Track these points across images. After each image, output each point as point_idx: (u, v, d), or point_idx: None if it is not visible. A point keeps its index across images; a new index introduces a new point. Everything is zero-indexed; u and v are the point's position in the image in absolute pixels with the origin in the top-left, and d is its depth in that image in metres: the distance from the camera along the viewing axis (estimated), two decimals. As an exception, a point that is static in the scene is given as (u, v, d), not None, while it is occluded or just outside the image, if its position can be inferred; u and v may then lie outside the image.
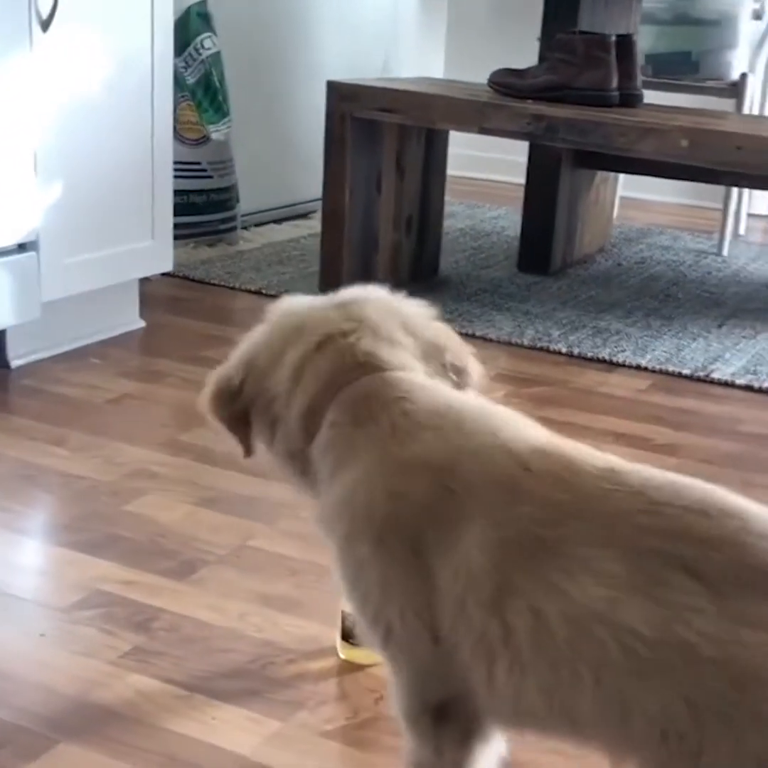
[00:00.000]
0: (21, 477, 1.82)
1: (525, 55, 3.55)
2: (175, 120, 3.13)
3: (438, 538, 0.94)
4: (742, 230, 3.92)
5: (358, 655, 1.38)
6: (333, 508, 1.01)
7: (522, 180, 3.28)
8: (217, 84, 3.24)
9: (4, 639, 1.40)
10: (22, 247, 2.20)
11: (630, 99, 2.64)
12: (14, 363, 2.28)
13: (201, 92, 3.21)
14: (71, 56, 2.21)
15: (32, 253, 2.21)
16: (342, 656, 1.39)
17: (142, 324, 2.59)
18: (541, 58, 3.04)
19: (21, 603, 1.49)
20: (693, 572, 0.87)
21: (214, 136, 3.22)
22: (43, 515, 1.74)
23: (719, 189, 4.14)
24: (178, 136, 3.13)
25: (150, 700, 1.28)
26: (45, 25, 2.12)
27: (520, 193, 3.29)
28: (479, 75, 3.21)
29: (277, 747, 1.23)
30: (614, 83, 2.60)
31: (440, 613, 0.94)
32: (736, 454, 2.10)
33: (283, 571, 1.58)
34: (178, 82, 3.13)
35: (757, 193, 4.23)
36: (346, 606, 1.37)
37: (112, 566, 1.57)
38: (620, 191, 3.78)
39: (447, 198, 4.13)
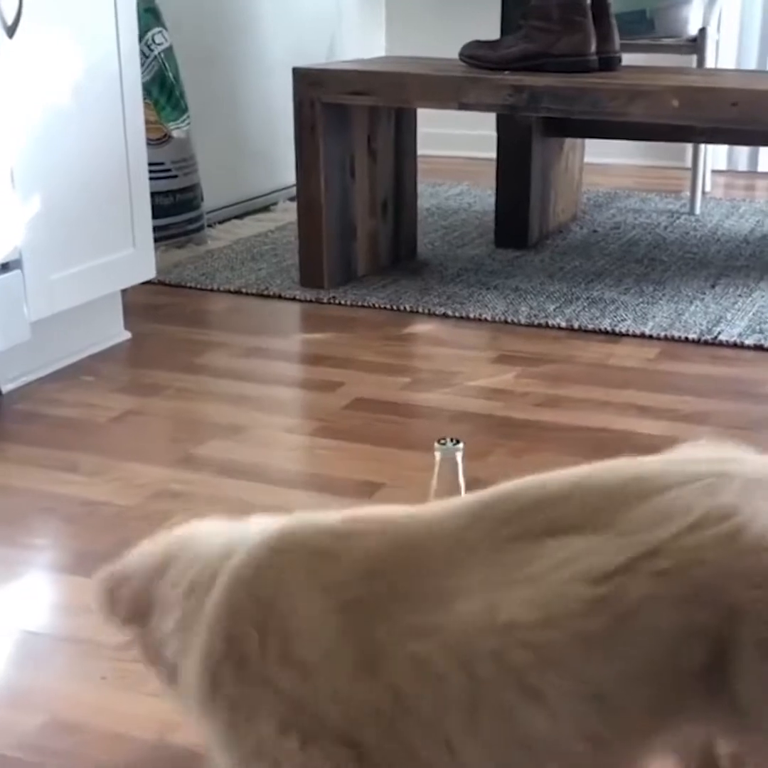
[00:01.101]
0: (40, 509, 1.73)
1: (470, 25, 3.49)
2: (134, 120, 3.02)
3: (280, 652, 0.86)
4: (708, 186, 3.90)
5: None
6: None
7: (485, 154, 3.22)
8: (173, 80, 3.13)
9: (65, 687, 1.32)
10: (5, 267, 2.09)
11: (609, 62, 2.59)
12: (5, 388, 2.18)
13: (157, 90, 3.10)
14: (39, 63, 2.11)
15: (17, 272, 2.10)
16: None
17: (127, 335, 2.49)
18: (505, 28, 2.97)
19: (73, 646, 1.40)
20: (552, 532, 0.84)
21: (175, 133, 3.12)
22: (73, 547, 1.65)
23: (678, 148, 4.12)
24: (138, 136, 3.02)
25: None
26: (10, 31, 2.01)
27: (481, 168, 3.23)
28: (424, 50, 3.14)
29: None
30: (593, 47, 2.54)
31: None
32: (766, 417, 2.06)
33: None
34: (133, 81, 3.03)
35: (716, 149, 4.22)
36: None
37: (158, 596, 1.48)
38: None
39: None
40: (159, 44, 3.11)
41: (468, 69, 2.66)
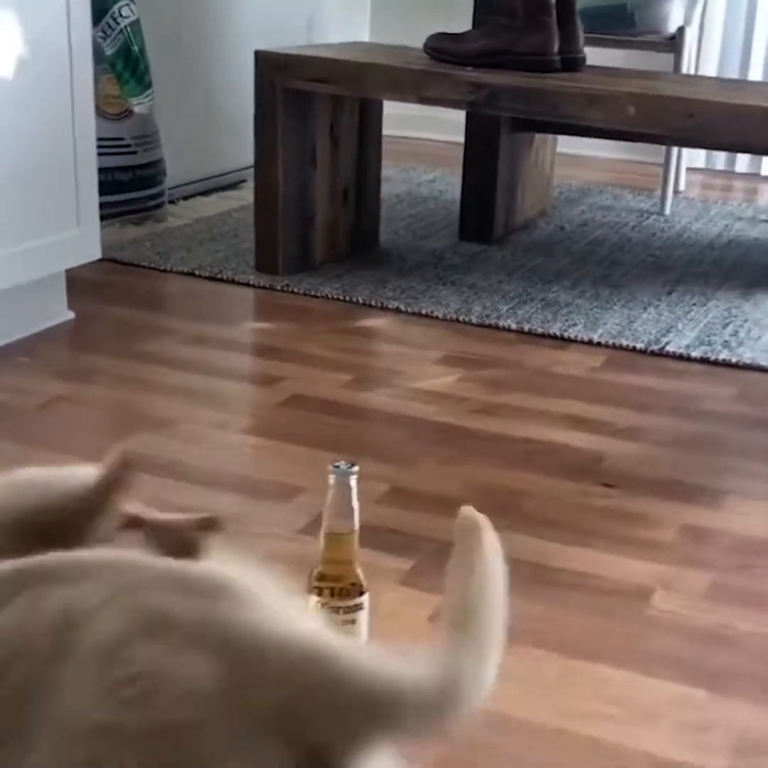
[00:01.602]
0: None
1: (456, 14, 3.43)
2: (96, 94, 2.97)
3: None
4: (682, 185, 3.86)
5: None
6: None
7: (460, 138, 3.17)
8: (138, 54, 3.09)
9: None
10: (-62, 245, 2.06)
11: (573, 63, 2.55)
12: (-64, 367, 2.15)
13: (121, 63, 3.05)
14: (-18, 37, 2.06)
15: (-51, 251, 2.07)
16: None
17: (71, 315, 2.45)
18: (476, 21, 2.93)
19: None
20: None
21: (137, 109, 3.08)
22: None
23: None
24: (99, 111, 2.97)
25: None
26: (-48, 5, 1.97)
27: (458, 153, 3.19)
28: (408, 36, 3.09)
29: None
30: (556, 47, 2.50)
31: None
32: (700, 435, 2.04)
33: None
34: (97, 53, 2.97)
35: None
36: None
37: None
38: (557, 147, 3.68)
39: (382, 161, 4.02)
40: (126, 17, 3.06)
41: (431, 62, 2.62)
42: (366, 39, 4.42)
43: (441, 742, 1.22)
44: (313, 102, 2.76)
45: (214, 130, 3.58)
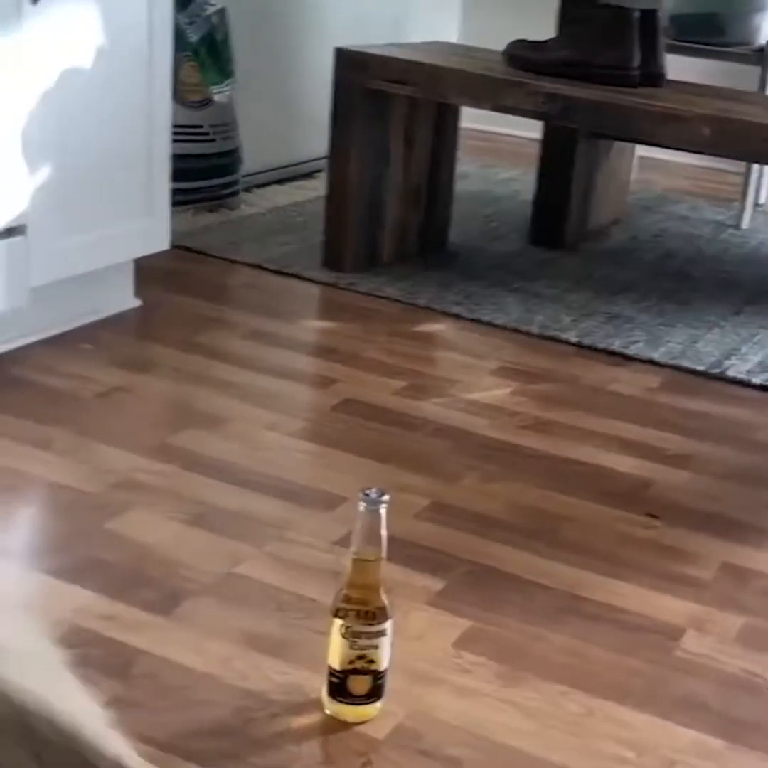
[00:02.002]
0: (2, 487, 1.75)
1: (549, 18, 3.39)
2: (178, 81, 3.01)
3: None
4: (762, 198, 3.79)
5: (345, 712, 1.31)
6: None
7: (540, 134, 3.15)
8: (221, 43, 3.11)
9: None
10: (9, 232, 2.10)
11: (652, 78, 2.51)
12: (1, 349, 2.20)
13: (204, 51, 3.08)
14: (63, 25, 2.09)
15: (20, 238, 2.11)
16: (327, 712, 1.33)
17: (137, 302, 2.49)
18: (560, 30, 2.90)
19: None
20: None
21: (216, 97, 3.10)
22: (23, 534, 1.67)
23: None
24: (179, 98, 3.01)
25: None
26: (34, -2, 2.00)
27: (538, 150, 3.16)
28: (498, 37, 3.06)
29: (255, 822, 1.17)
30: (636, 61, 2.47)
31: None
32: (752, 468, 2.01)
33: (270, 605, 1.51)
34: (181, 39, 3.01)
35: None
36: (333, 661, 1.30)
37: (92, 597, 1.49)
38: (639, 151, 3.62)
39: (460, 155, 4.01)
40: (212, 5, 3.08)
41: (509, 70, 2.60)
42: (454, 38, 4.39)
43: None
44: (389, 100, 2.76)
45: (292, 119, 3.59)
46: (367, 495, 1.27)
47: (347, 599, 1.29)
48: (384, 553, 1.28)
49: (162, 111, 2.38)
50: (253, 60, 3.36)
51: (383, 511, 1.26)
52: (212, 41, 3.08)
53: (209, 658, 1.40)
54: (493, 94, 2.53)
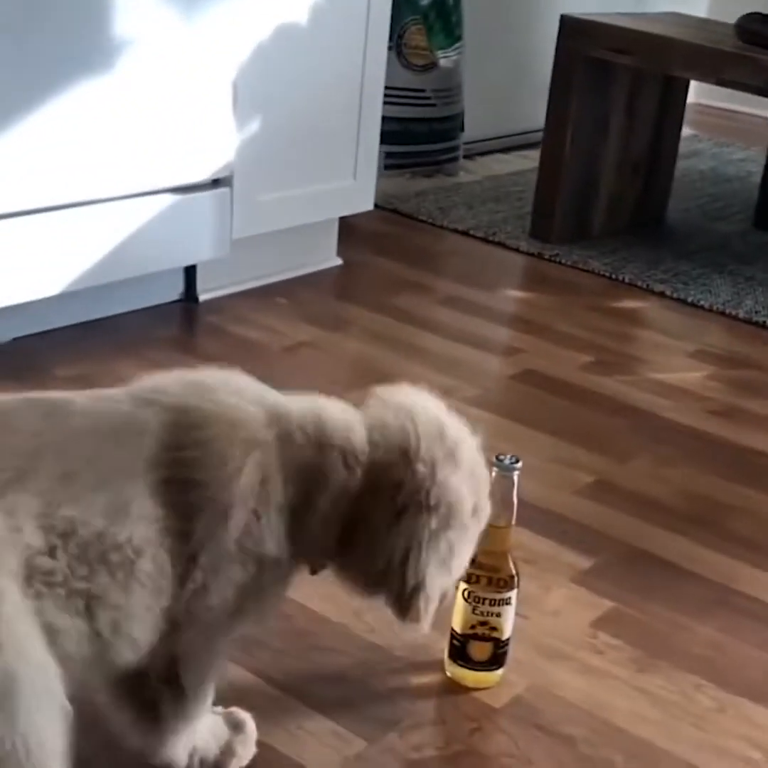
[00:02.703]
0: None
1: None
2: (403, 44, 3.04)
3: None
4: None
5: (465, 676, 1.31)
6: None
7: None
8: (452, 6, 3.10)
9: None
10: (216, 183, 2.17)
11: None
12: (202, 297, 2.28)
13: (434, 14, 3.08)
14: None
15: (226, 189, 2.18)
16: (448, 674, 1.32)
17: (339, 262, 2.54)
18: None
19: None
20: None
21: (442, 61, 3.10)
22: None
23: None
24: (404, 61, 3.04)
25: (242, 696, 1.25)
26: (249, -44, 2.05)
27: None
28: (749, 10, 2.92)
29: (355, 772, 1.18)
30: None
31: None
32: None
33: (412, 565, 1.51)
34: (411, 4, 3.03)
35: None
36: (456, 624, 1.30)
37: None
38: None
39: (693, 132, 3.88)
40: (444, -31, 3.08)
41: (739, 43, 2.49)
42: (703, 12, 4.22)
43: (570, 755, 1.22)
44: (613, 71, 2.69)
45: (521, 87, 3.55)
46: (500, 460, 1.25)
47: (473, 564, 1.28)
48: (514, 520, 1.26)
49: (376, 73, 2.40)
50: (483, 25, 3.34)
51: (516, 477, 1.25)
52: (443, 4, 3.08)
53: (343, 609, 1.42)
54: (718, 68, 2.43)
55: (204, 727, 1.13)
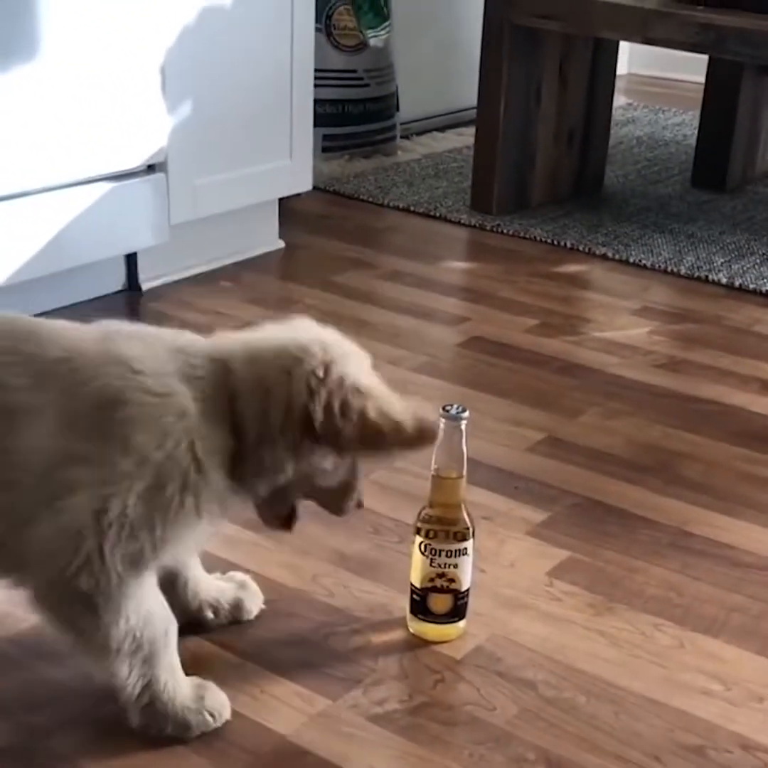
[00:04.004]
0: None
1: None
2: (332, 26, 3.03)
3: None
4: None
5: (427, 630, 1.31)
6: None
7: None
8: (378, -14, 3.11)
9: None
10: (150, 168, 2.16)
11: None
12: (145, 285, 2.27)
13: (361, -5, 3.08)
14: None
15: (161, 175, 2.17)
16: (411, 630, 1.33)
17: (281, 244, 2.53)
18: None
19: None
20: None
21: (372, 41, 3.10)
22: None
23: None
24: (333, 42, 3.03)
25: (202, 665, 1.25)
26: (169, -62, 2.05)
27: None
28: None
29: (320, 729, 1.18)
30: (797, -15, 2.34)
31: None
32: None
33: (366, 528, 1.52)
34: (337, -15, 3.03)
35: None
36: (414, 578, 1.30)
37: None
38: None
39: (628, 101, 3.91)
40: (368, -51, 3.08)
41: (665, 1, 2.51)
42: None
43: (533, 698, 1.23)
44: (542, 40, 2.70)
45: (453, 64, 3.56)
46: (446, 411, 1.25)
47: (428, 517, 1.28)
48: (465, 471, 1.27)
49: (304, 52, 2.40)
50: (412, 3, 3.35)
51: (463, 426, 1.25)
52: (368, -15, 3.09)
53: (300, 575, 1.42)
54: (643, 26, 2.45)
55: (211, 587, 1.30)
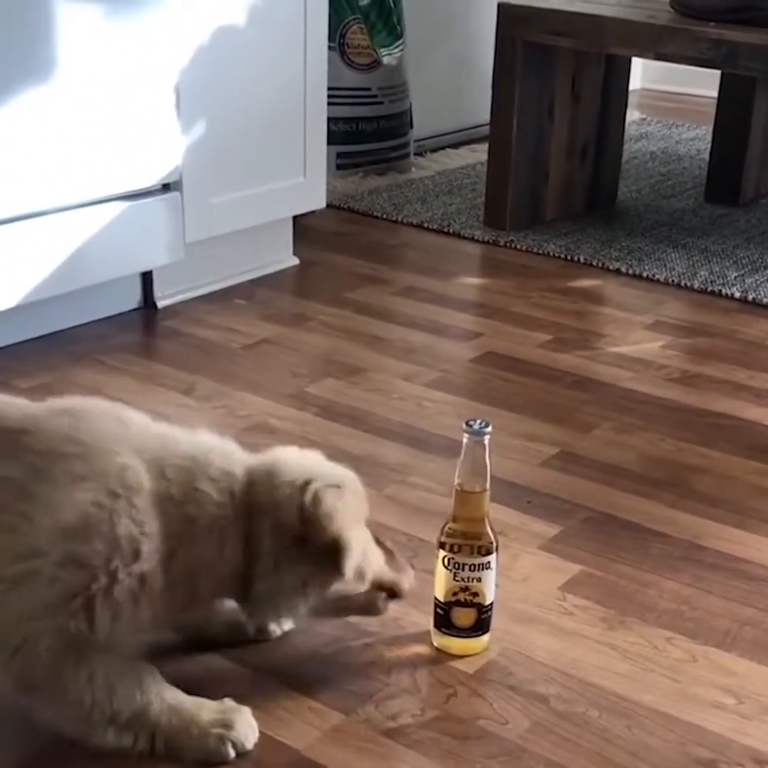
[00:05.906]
0: (141, 428, 1.82)
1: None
2: (346, 44, 3.06)
3: None
4: None
5: (451, 644, 1.32)
6: None
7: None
8: (391, 4, 3.13)
9: None
10: (165, 187, 2.18)
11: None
12: (161, 303, 2.29)
13: (374, 14, 3.10)
14: (214, -11, 2.16)
15: (176, 194, 2.19)
16: (435, 644, 1.33)
17: (295, 261, 2.55)
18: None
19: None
20: None
21: (385, 60, 3.12)
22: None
23: None
24: (347, 61, 3.05)
25: (217, 682, 1.26)
26: (183, -40, 2.07)
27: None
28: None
29: (334, 743, 1.18)
30: (805, 1, 2.35)
31: None
32: None
33: (381, 544, 1.53)
34: (350, 4, 3.05)
35: None
36: (438, 592, 1.31)
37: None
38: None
39: (642, 116, 3.92)
40: (382, -33, 3.10)
41: (674, 17, 2.52)
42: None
43: (545, 712, 1.23)
44: (554, 56, 2.72)
45: (466, 81, 3.57)
46: (470, 426, 1.26)
47: (452, 532, 1.29)
48: (488, 485, 1.27)
49: (318, 71, 2.41)
50: (424, 21, 3.37)
51: (486, 441, 1.26)
52: (382, 3, 3.10)
53: (313, 590, 1.43)
54: (654, 42, 2.46)
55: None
